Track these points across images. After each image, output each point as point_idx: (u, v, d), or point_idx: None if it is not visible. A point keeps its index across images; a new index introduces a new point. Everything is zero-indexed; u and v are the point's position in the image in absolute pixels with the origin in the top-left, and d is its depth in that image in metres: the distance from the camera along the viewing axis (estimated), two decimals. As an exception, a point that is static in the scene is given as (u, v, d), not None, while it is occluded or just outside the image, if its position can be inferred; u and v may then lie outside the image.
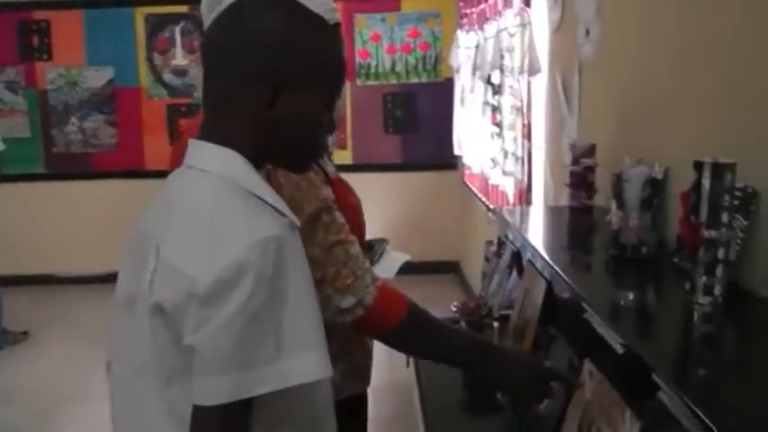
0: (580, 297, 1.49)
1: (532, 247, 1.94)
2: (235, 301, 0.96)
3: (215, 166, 1.08)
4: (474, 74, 4.66)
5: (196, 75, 6.25)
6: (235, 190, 1.06)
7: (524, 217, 2.45)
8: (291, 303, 0.99)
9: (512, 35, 3.46)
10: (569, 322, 1.66)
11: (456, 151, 5.52)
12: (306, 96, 1.10)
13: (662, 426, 1.12)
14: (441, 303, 2.25)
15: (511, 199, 3.95)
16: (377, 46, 6.38)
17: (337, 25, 1.14)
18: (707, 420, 0.95)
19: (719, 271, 1.38)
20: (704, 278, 1.39)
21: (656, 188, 1.74)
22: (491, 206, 4.61)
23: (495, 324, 2.11)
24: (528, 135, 3.41)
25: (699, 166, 1.38)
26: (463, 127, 5.17)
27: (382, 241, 2.16)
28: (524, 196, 3.66)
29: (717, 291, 1.39)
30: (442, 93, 6.43)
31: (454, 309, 2.22)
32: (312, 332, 1.01)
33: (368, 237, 1.93)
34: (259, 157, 1.12)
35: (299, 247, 1.05)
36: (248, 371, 0.97)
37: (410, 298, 1.51)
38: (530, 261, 2.02)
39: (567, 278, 1.59)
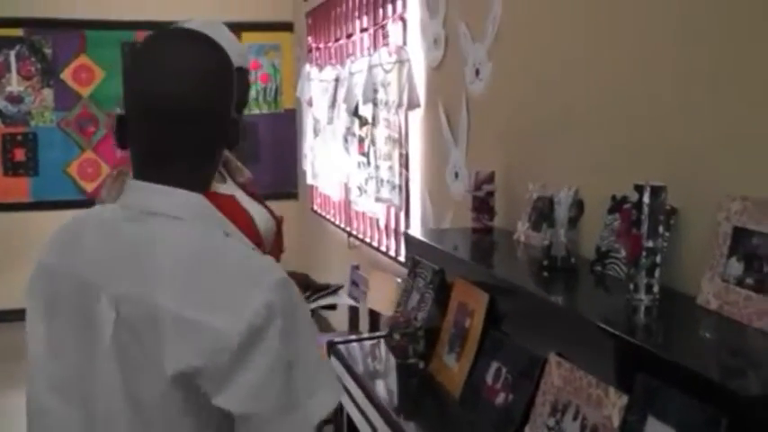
0: (546, 303, 1.75)
1: (470, 265, 2.19)
2: (272, 349, 0.99)
3: (188, 212, 1.09)
4: (333, 106, 4.88)
5: (32, 102, 6.00)
6: (220, 234, 1.09)
7: (436, 239, 2.69)
8: (310, 335, 1.06)
9: (387, 71, 3.72)
10: (526, 325, 1.91)
11: (309, 181, 5.70)
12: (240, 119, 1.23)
13: (650, 395, 1.39)
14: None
15: (382, 224, 4.20)
16: (220, 77, 6.44)
17: None
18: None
19: (657, 273, 1.70)
20: (646, 280, 1.69)
21: (580, 209, 2.05)
22: (353, 232, 4.84)
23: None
24: (406, 164, 3.68)
25: (639, 188, 1.69)
26: (318, 157, 5.37)
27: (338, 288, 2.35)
28: (400, 221, 3.92)
29: (655, 289, 1.70)
30: (282, 124, 6.62)
31: (387, 324, 2.42)
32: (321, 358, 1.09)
33: None
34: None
35: None
36: (300, 409, 1.02)
37: None
38: (462, 277, 2.26)
39: (527, 287, 1.85)
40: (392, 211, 4.04)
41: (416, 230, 3.68)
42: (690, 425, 1.27)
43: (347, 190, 4.76)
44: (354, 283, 4.53)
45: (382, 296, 3.96)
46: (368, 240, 4.54)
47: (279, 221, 2.20)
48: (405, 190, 3.72)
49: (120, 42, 6.15)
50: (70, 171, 6.13)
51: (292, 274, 2.01)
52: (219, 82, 1.12)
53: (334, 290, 2.35)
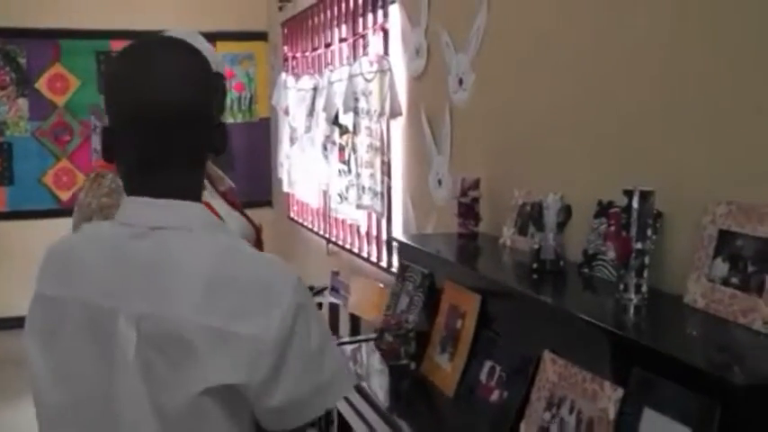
0: (540, 303, 1.83)
1: (461, 268, 2.26)
2: (303, 345, 1.05)
3: (193, 223, 1.10)
4: (311, 115, 4.94)
5: (7, 111, 5.97)
6: (229, 241, 1.12)
7: (424, 244, 2.76)
8: (324, 321, 1.18)
9: (368, 80, 3.79)
10: (518, 325, 1.99)
11: (285, 189, 5.74)
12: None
13: (645, 388, 1.47)
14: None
15: (363, 230, 4.26)
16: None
17: None
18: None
19: (646, 273, 1.78)
20: (635, 280, 1.78)
21: (568, 213, 2.13)
22: (329, 240, 4.90)
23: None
24: (388, 172, 3.75)
25: (629, 193, 1.77)
26: (295, 165, 5.42)
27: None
28: (381, 228, 3.99)
29: (644, 289, 1.78)
30: (257, 132, 6.67)
31: (380, 326, 2.48)
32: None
33: None
34: None
35: None
36: (330, 388, 1.11)
37: None
38: (451, 280, 2.33)
39: (520, 289, 1.93)
40: (373, 217, 4.10)
41: (399, 236, 3.75)
42: (685, 414, 1.35)
43: (327, 197, 4.82)
44: (334, 289, 4.59)
45: (364, 301, 4.02)
46: (347, 246, 4.60)
47: (258, 230, 2.18)
48: (387, 197, 3.78)
49: (95, 51, 6.16)
50: (46, 180, 6.10)
51: None
52: (203, 86, 1.13)
53: (320, 290, 2.37)
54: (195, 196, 1.14)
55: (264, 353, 1.02)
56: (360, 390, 2.33)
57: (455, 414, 2.07)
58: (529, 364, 1.87)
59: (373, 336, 2.64)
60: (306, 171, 5.14)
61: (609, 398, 1.56)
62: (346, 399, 2.43)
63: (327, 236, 4.98)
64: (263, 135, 6.70)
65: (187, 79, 1.10)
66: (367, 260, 4.22)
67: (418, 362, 2.37)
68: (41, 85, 6.06)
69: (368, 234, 4.23)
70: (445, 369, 2.22)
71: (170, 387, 1.02)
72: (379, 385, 2.38)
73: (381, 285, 3.84)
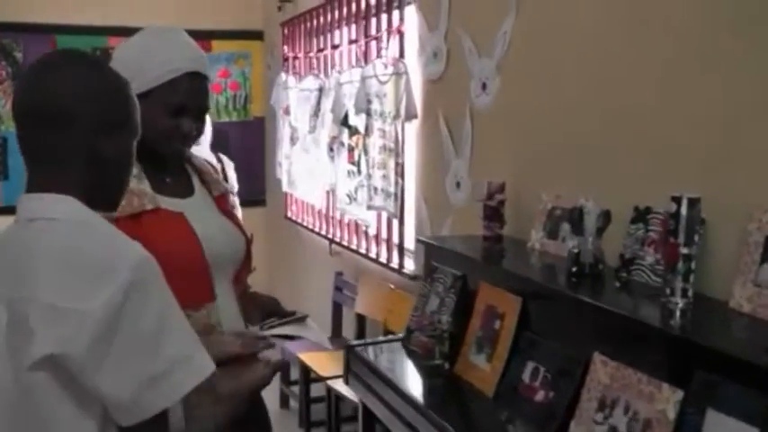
0: (587, 305, 1.88)
1: (499, 270, 2.31)
2: (134, 323, 1.11)
3: (63, 213, 1.20)
4: (316, 115, 4.96)
5: (2, 106, 5.92)
6: (91, 229, 1.21)
7: (452, 246, 2.80)
8: (171, 307, 1.17)
9: (383, 83, 3.83)
10: (559, 327, 2.04)
11: (285, 188, 5.75)
12: (122, 139, 1.29)
13: (708, 389, 1.52)
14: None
15: (373, 231, 4.29)
16: (190, 86, 6.47)
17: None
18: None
19: (692, 278, 1.84)
20: (681, 284, 1.84)
21: (607, 219, 2.18)
22: (332, 240, 4.92)
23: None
24: (401, 173, 3.79)
25: (677, 199, 1.83)
26: (296, 165, 5.43)
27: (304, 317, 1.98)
28: (393, 229, 4.02)
29: (690, 293, 1.84)
30: (251, 131, 6.69)
31: (412, 328, 2.52)
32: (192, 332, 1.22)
33: None
34: (89, 200, 1.25)
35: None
36: (172, 376, 1.14)
37: None
38: (486, 283, 2.38)
39: (566, 291, 1.98)
40: (383, 219, 4.13)
41: (411, 238, 3.79)
42: (752, 415, 1.41)
43: (333, 198, 4.84)
44: (338, 289, 4.63)
45: (374, 302, 4.06)
46: (352, 247, 4.62)
47: (249, 240, 2.00)
48: (400, 198, 3.81)
49: (92, 48, 6.11)
50: (41, 176, 6.06)
51: (257, 296, 1.98)
52: (89, 97, 1.22)
53: (302, 318, 1.97)
54: (74, 193, 1.23)
55: (87, 326, 1.08)
56: (395, 387, 2.36)
57: (496, 413, 2.12)
58: (576, 366, 1.92)
59: (382, 338, 2.68)
60: (309, 171, 5.15)
61: (667, 399, 1.61)
62: (378, 396, 2.47)
63: (331, 236, 5.00)
64: (257, 134, 6.72)
65: (71, 88, 1.21)
66: (375, 261, 4.25)
67: (452, 362, 2.41)
68: (38, 80, 6.01)
69: (377, 235, 4.26)
70: (483, 369, 2.27)
71: (18, 364, 1.13)
72: (414, 384, 2.42)
73: (392, 286, 3.88)
